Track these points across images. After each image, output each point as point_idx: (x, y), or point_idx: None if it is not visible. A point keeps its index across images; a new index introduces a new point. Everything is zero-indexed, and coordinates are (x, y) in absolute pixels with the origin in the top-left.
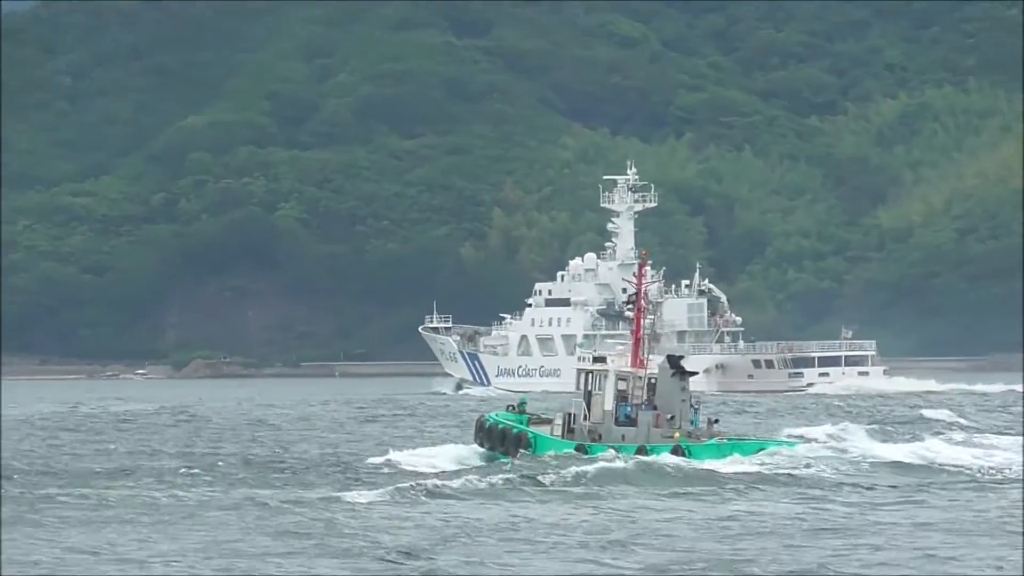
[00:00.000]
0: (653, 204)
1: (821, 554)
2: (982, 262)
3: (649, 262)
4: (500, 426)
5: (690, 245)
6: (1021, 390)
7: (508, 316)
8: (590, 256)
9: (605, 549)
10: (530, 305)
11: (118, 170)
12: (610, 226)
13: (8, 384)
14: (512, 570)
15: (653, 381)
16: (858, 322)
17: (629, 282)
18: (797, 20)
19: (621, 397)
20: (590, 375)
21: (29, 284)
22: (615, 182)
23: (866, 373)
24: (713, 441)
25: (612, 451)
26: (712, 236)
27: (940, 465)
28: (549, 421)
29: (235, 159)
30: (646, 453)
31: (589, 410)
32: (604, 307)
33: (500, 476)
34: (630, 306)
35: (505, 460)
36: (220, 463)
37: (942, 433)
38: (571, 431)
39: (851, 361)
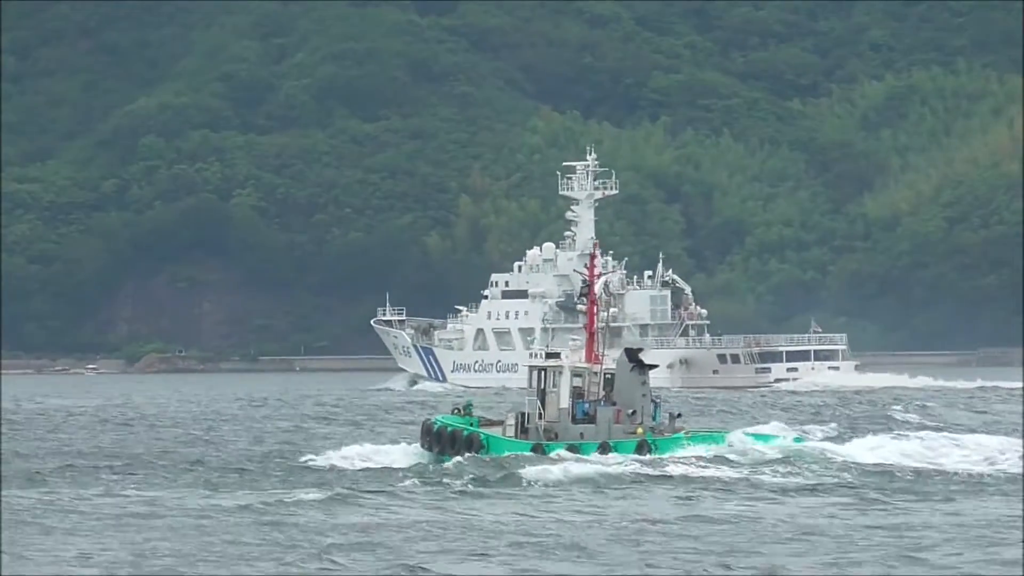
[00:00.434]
0: (615, 192)
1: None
2: (973, 252)
3: (610, 252)
4: (450, 429)
5: (666, 235)
6: (995, 387)
7: (464, 308)
8: (548, 246)
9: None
10: (486, 297)
11: (65, 155)
12: (569, 214)
13: None
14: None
15: (609, 376)
16: (844, 315)
17: (580, 273)
18: None
19: (577, 394)
20: (543, 372)
21: None
22: (574, 168)
23: (836, 368)
24: (680, 435)
25: (569, 450)
26: (690, 225)
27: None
28: (500, 423)
29: (188, 143)
30: (609, 450)
31: (544, 408)
32: (563, 299)
33: (445, 477)
34: (583, 299)
35: (448, 460)
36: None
37: (901, 432)
38: (524, 431)
39: (821, 356)
